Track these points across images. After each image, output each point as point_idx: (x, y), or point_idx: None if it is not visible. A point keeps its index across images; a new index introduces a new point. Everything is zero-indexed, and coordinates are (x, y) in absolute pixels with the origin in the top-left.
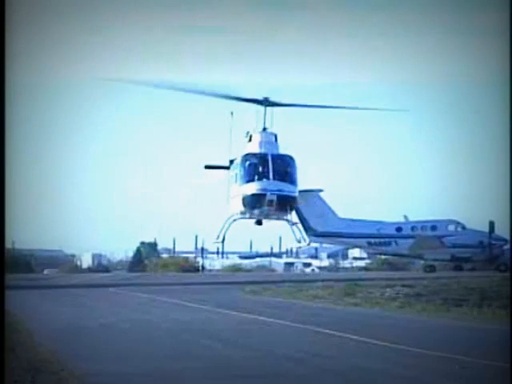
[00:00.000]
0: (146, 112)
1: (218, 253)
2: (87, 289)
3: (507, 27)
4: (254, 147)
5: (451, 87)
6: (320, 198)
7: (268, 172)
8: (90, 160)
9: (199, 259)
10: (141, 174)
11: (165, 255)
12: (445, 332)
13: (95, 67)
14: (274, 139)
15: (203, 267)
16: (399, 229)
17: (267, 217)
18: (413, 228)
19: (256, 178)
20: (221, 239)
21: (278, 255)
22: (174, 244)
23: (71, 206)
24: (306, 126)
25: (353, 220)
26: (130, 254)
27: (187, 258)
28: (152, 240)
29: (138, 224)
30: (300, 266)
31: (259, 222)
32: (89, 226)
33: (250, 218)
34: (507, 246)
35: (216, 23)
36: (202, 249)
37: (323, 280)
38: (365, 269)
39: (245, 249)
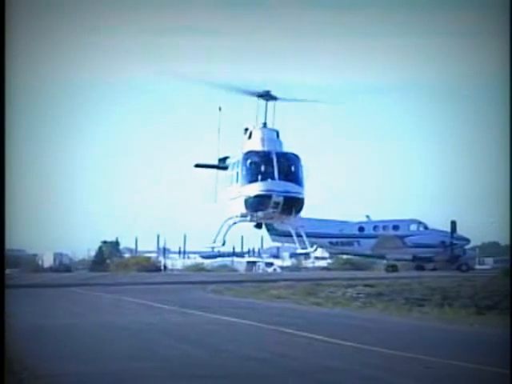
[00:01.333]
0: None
1: (179, 252)
2: (49, 288)
3: (507, 27)
4: (256, 145)
5: (451, 86)
6: None
7: (273, 171)
8: (51, 162)
9: (161, 259)
10: (104, 173)
11: (127, 255)
12: (407, 332)
13: (95, 67)
14: (276, 136)
15: (165, 267)
16: (361, 229)
17: (270, 220)
18: (375, 228)
19: (260, 177)
20: (221, 243)
21: (240, 255)
22: (136, 243)
23: (32, 205)
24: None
25: (315, 220)
26: (92, 253)
27: (149, 257)
28: (114, 239)
29: (101, 223)
30: (262, 266)
31: (259, 226)
32: (51, 225)
33: (251, 220)
34: (468, 246)
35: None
36: (164, 248)
37: (285, 280)
38: (327, 268)
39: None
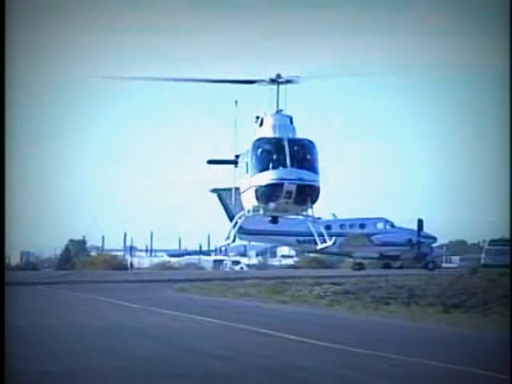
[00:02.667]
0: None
1: (146, 250)
2: (15, 287)
3: (507, 26)
4: (267, 131)
5: (450, 86)
6: None
7: (285, 159)
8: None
9: (128, 257)
10: (71, 172)
11: (93, 253)
12: (374, 330)
13: (95, 66)
14: (289, 122)
15: (132, 265)
16: (328, 227)
17: (284, 212)
18: (342, 226)
19: (271, 166)
20: (231, 240)
21: (207, 253)
22: (103, 242)
23: None
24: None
25: (283, 219)
26: (59, 251)
27: (116, 255)
28: (81, 238)
29: (67, 221)
30: (229, 264)
31: (275, 220)
32: (17, 223)
33: (265, 214)
34: (435, 244)
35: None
36: (131, 246)
37: (252, 278)
38: (293, 267)
39: (173, 246)
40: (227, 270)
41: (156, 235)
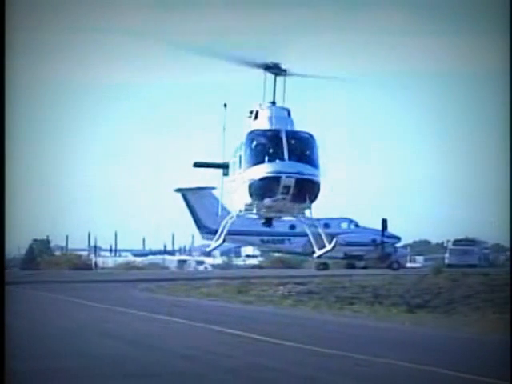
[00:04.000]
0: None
1: (110, 250)
2: None
3: (507, 26)
4: (263, 124)
5: (450, 86)
6: (213, 196)
7: (282, 152)
8: None
9: (92, 257)
10: (36, 171)
11: (58, 252)
12: (338, 330)
13: (95, 67)
14: (286, 114)
15: (96, 265)
16: (292, 226)
17: (280, 213)
18: (232, 217)
19: (266, 159)
20: (221, 241)
21: (171, 253)
22: (67, 241)
23: None
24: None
25: (246, 218)
26: (23, 251)
27: (80, 255)
28: (45, 237)
29: (31, 221)
30: (193, 264)
31: (268, 223)
32: None
33: (258, 213)
34: (399, 244)
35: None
36: (95, 246)
37: (216, 278)
38: (258, 266)
39: (138, 246)
40: (191, 269)
41: (120, 235)
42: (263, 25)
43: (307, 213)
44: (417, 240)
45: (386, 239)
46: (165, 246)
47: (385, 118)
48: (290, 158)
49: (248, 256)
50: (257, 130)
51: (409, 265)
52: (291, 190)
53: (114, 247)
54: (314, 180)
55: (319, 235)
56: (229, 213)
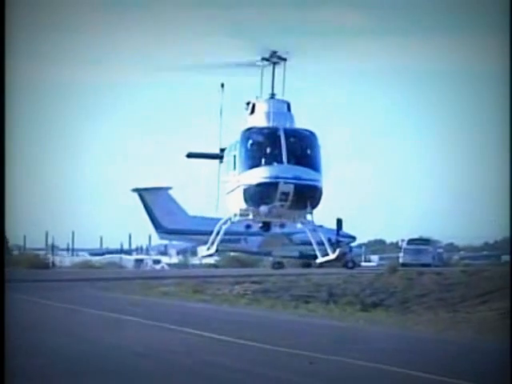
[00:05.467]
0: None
1: (68, 250)
2: None
3: (507, 26)
4: (259, 120)
5: (449, 85)
6: (169, 196)
7: (280, 153)
8: None
9: (49, 256)
10: None
11: (15, 252)
12: (293, 328)
13: (96, 68)
14: (286, 108)
15: (53, 264)
16: (248, 226)
17: (279, 217)
18: (226, 222)
19: (263, 161)
20: (213, 250)
21: (128, 252)
22: (25, 241)
23: None
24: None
25: (202, 217)
26: None
27: (38, 254)
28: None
29: None
30: (150, 263)
31: (266, 227)
32: None
33: (254, 219)
34: (355, 243)
35: None
36: (53, 245)
37: (173, 277)
38: (214, 266)
39: (95, 245)
40: (148, 268)
41: (77, 234)
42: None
43: (308, 217)
44: (371, 239)
45: (341, 238)
46: (122, 245)
47: (383, 115)
48: (288, 160)
49: (204, 256)
50: (253, 127)
51: (364, 264)
52: (290, 197)
53: (71, 246)
54: (315, 186)
55: (322, 242)
56: (186, 214)
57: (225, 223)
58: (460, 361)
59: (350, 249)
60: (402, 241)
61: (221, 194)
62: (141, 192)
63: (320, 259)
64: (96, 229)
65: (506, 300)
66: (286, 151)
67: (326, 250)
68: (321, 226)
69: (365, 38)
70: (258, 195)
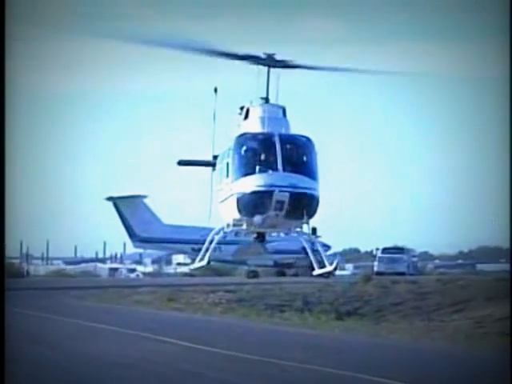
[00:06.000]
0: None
1: (42, 258)
2: None
3: (507, 28)
4: (253, 125)
5: (449, 85)
6: (144, 204)
7: (275, 160)
8: None
9: (24, 265)
10: None
11: None
12: (267, 337)
13: (96, 74)
14: (281, 113)
15: (28, 273)
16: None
17: (274, 227)
18: (237, 234)
19: (257, 169)
20: (205, 262)
21: (103, 260)
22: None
23: None
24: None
25: (177, 226)
26: None
27: (13, 263)
28: None
29: None
30: (124, 272)
31: (261, 238)
32: None
33: (248, 230)
34: (329, 252)
35: None
36: (27, 254)
37: (147, 285)
38: (189, 274)
39: (69, 254)
40: (123, 277)
41: (52, 243)
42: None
43: (305, 228)
44: (346, 248)
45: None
46: (96, 254)
47: (380, 118)
48: (284, 168)
49: (179, 264)
50: (246, 133)
51: (338, 272)
52: (285, 206)
53: (45, 255)
54: (312, 194)
55: (319, 253)
56: (161, 222)
57: (217, 233)
58: (434, 369)
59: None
60: (377, 249)
61: (214, 203)
62: (115, 201)
63: (317, 271)
64: (71, 237)
65: (481, 309)
66: (281, 158)
67: (310, 260)
68: (318, 237)
69: (363, 43)
70: (251, 204)
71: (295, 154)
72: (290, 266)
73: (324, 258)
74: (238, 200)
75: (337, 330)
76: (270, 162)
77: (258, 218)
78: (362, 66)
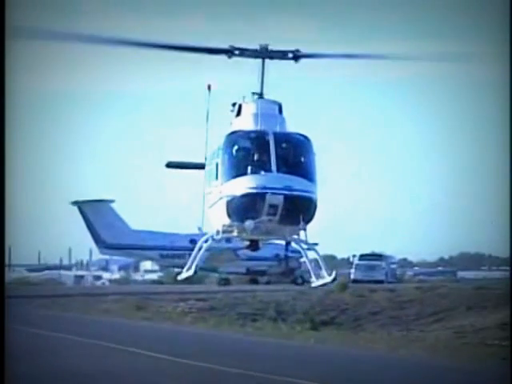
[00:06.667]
0: None
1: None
2: None
3: (507, 27)
4: (247, 123)
5: (449, 85)
6: (111, 209)
7: (269, 160)
8: None
9: None
10: None
11: None
12: (239, 347)
13: (96, 74)
14: (277, 110)
15: None
16: (193, 241)
17: (268, 234)
18: (207, 240)
19: (249, 169)
20: (192, 271)
21: (68, 267)
22: None
23: None
24: None
25: (145, 232)
26: None
27: None
28: None
29: None
30: (90, 279)
31: (254, 246)
32: None
33: (239, 235)
34: (304, 259)
35: None
36: None
37: (114, 294)
38: (157, 282)
39: (32, 260)
40: (89, 285)
41: (14, 249)
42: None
43: (302, 235)
44: (321, 254)
45: (289, 254)
46: (61, 261)
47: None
48: (278, 168)
49: (147, 271)
50: (238, 131)
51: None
52: (279, 210)
53: (7, 262)
54: (309, 197)
55: (317, 262)
56: (128, 228)
57: (206, 241)
58: (413, 381)
59: (299, 264)
60: (354, 256)
61: (202, 208)
62: (81, 205)
63: (315, 283)
64: (34, 243)
65: (462, 318)
66: (275, 158)
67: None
68: (316, 244)
69: (362, 42)
70: (242, 208)
71: (291, 154)
72: (262, 273)
73: (323, 267)
74: (228, 204)
75: (312, 341)
76: (263, 163)
77: (249, 224)
78: (360, 65)
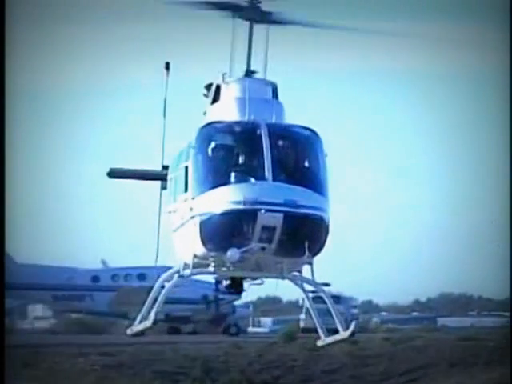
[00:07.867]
0: None
1: None
2: None
3: (507, 23)
4: (228, 111)
5: (449, 85)
6: None
7: (261, 164)
8: None
9: None
10: None
11: None
12: None
13: (96, 69)
14: (270, 93)
15: None
16: (96, 278)
17: (258, 270)
18: (114, 277)
19: (233, 177)
20: (151, 322)
21: None
22: None
23: None
24: None
25: (35, 266)
26: None
27: None
28: None
29: None
30: None
31: (237, 286)
32: None
33: (217, 271)
34: (239, 302)
35: None
36: None
37: None
38: (50, 331)
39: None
40: None
41: None
42: None
43: (305, 270)
44: (263, 296)
45: (220, 295)
46: None
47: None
48: (275, 176)
49: (36, 318)
50: (216, 121)
51: (252, 329)
52: (277, 235)
53: None
54: (319, 216)
55: (327, 311)
56: (13, 262)
57: (168, 279)
58: None
59: (233, 309)
60: (303, 299)
61: (164, 232)
62: None
63: (324, 340)
64: None
65: (444, 378)
66: (270, 160)
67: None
68: (327, 284)
69: (362, 37)
70: (222, 231)
71: (292, 155)
72: (186, 320)
73: (336, 317)
74: (202, 225)
75: None
76: (252, 167)
77: (232, 254)
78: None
